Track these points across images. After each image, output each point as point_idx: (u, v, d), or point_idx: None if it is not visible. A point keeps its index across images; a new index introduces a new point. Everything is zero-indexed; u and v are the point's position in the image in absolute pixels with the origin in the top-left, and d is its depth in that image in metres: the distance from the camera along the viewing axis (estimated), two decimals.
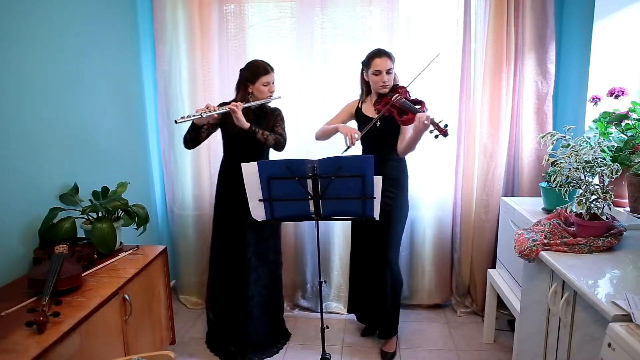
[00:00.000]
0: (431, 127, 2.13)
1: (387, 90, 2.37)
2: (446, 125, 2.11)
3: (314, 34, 2.81)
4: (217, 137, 2.63)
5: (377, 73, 2.35)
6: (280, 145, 2.45)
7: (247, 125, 2.31)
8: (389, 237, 2.46)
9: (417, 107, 2.27)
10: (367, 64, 2.40)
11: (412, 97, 2.37)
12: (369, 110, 2.46)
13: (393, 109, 2.30)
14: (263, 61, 2.42)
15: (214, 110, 2.26)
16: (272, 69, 2.41)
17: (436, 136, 2.13)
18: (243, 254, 2.50)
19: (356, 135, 2.30)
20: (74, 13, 2.27)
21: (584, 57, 2.44)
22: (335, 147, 2.81)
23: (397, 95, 2.32)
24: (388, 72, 2.34)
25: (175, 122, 2.21)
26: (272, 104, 2.54)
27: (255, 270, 2.54)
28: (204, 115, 2.25)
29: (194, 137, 2.40)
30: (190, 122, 2.33)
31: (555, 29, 2.64)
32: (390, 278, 2.48)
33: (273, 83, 2.42)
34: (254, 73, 2.38)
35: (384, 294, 2.50)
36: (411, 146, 2.31)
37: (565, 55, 2.70)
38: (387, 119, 2.35)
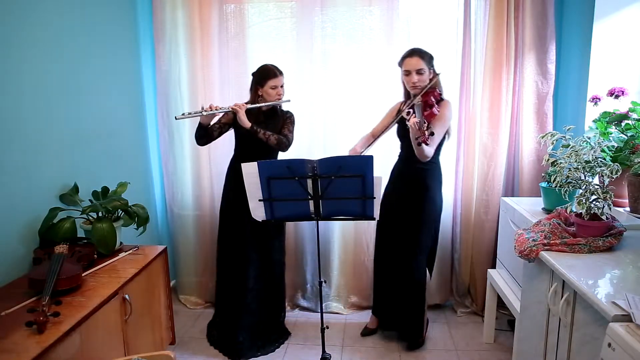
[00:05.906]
0: (419, 133, 2.10)
1: (417, 90, 2.33)
2: (432, 134, 2.10)
3: (314, 34, 2.81)
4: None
5: (407, 73, 2.34)
6: (282, 145, 2.48)
7: (248, 124, 2.39)
8: (414, 242, 2.44)
9: (428, 109, 2.24)
10: (400, 64, 2.39)
11: (435, 100, 2.30)
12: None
13: (411, 109, 2.27)
14: (273, 65, 2.49)
15: (217, 110, 2.35)
16: (280, 73, 2.47)
17: (419, 144, 2.13)
18: (245, 250, 2.54)
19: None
20: (74, 13, 2.27)
21: (584, 57, 2.44)
22: (336, 147, 2.82)
23: (417, 97, 2.29)
24: (418, 72, 2.31)
25: (175, 118, 2.30)
26: (285, 108, 2.60)
27: (256, 266, 2.57)
28: (205, 114, 2.34)
29: (202, 134, 2.48)
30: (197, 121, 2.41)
31: (555, 29, 2.64)
32: (412, 283, 2.47)
33: (282, 87, 2.49)
34: (263, 76, 2.46)
35: (405, 298, 2.50)
36: (415, 149, 2.23)
37: (565, 55, 2.70)
38: None
